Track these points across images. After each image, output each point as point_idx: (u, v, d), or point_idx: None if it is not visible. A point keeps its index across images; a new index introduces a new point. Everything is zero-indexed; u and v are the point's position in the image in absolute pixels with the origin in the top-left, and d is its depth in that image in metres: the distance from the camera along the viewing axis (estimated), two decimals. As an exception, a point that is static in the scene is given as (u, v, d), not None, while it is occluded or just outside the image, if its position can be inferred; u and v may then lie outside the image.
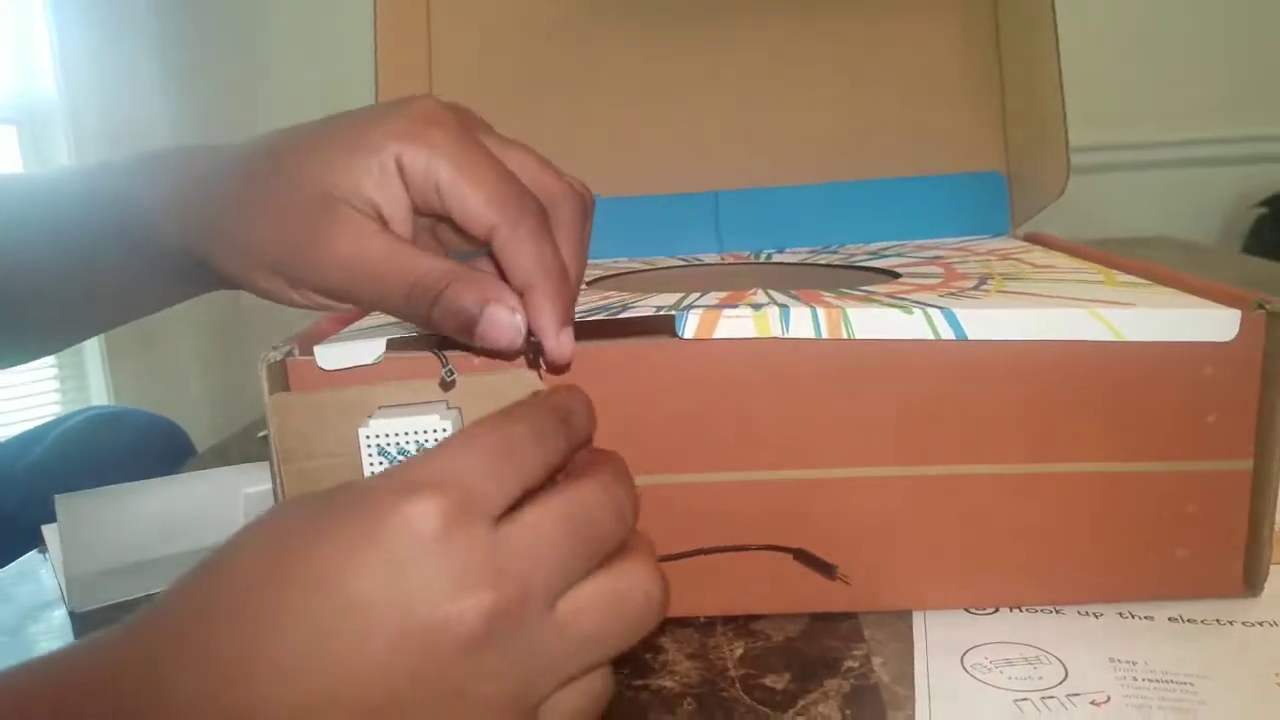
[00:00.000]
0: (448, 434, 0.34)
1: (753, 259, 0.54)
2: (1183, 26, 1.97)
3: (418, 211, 0.33)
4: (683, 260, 0.55)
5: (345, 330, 0.39)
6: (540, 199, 0.32)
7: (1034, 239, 0.54)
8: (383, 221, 0.32)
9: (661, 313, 0.35)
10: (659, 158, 0.59)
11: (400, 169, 0.31)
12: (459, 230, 0.32)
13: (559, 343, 0.31)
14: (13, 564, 0.47)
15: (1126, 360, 0.34)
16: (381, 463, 0.34)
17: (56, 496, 0.39)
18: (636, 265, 0.54)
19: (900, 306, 0.34)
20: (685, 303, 0.37)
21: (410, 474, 0.24)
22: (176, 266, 0.37)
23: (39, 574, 0.46)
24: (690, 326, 0.34)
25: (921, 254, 0.51)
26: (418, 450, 0.34)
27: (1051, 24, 0.54)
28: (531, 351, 0.32)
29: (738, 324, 0.34)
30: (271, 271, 0.33)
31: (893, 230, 0.57)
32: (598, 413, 0.35)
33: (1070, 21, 0.58)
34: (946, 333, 0.34)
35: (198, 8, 2.25)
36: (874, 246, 0.55)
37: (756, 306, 0.35)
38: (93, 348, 2.12)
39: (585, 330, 0.35)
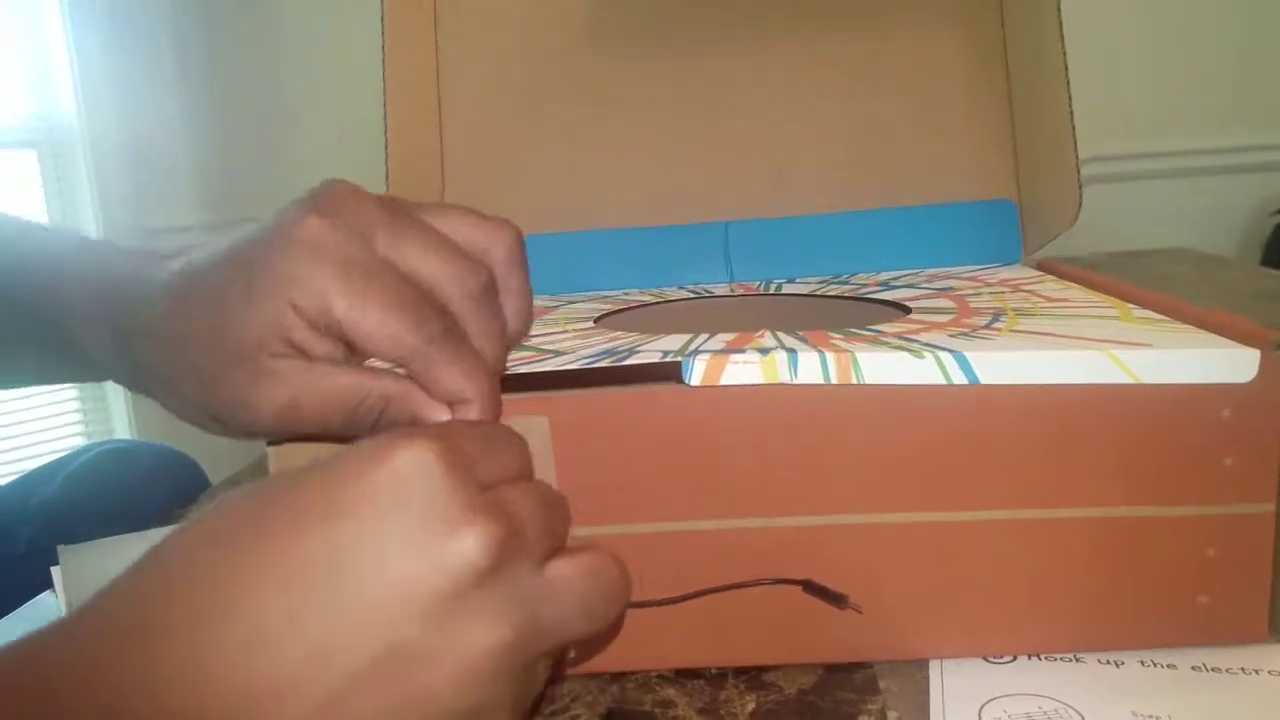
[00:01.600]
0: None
1: (762, 291, 0.53)
2: (1198, 32, 1.96)
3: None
4: (692, 292, 0.54)
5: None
6: (447, 293, 0.32)
7: (1047, 267, 0.54)
8: (303, 353, 0.31)
9: (668, 358, 0.35)
10: (669, 187, 0.58)
11: (295, 309, 0.30)
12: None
13: None
14: (24, 606, 0.47)
15: (1143, 403, 0.33)
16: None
17: (59, 548, 0.39)
18: (646, 298, 0.53)
19: (910, 349, 0.34)
20: (692, 346, 0.37)
21: (390, 438, 0.26)
22: (72, 362, 0.38)
23: (49, 618, 0.46)
24: (697, 373, 0.34)
25: (933, 285, 0.50)
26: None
27: (1060, 50, 0.54)
28: None
29: (745, 370, 0.34)
30: (201, 417, 0.33)
31: (904, 259, 0.57)
32: (601, 460, 0.34)
33: (1084, 28, 0.58)
34: (958, 376, 0.33)
35: (217, 31, 2.27)
36: (884, 276, 0.55)
37: (764, 351, 0.34)
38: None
39: (591, 377, 0.35)
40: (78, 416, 2.18)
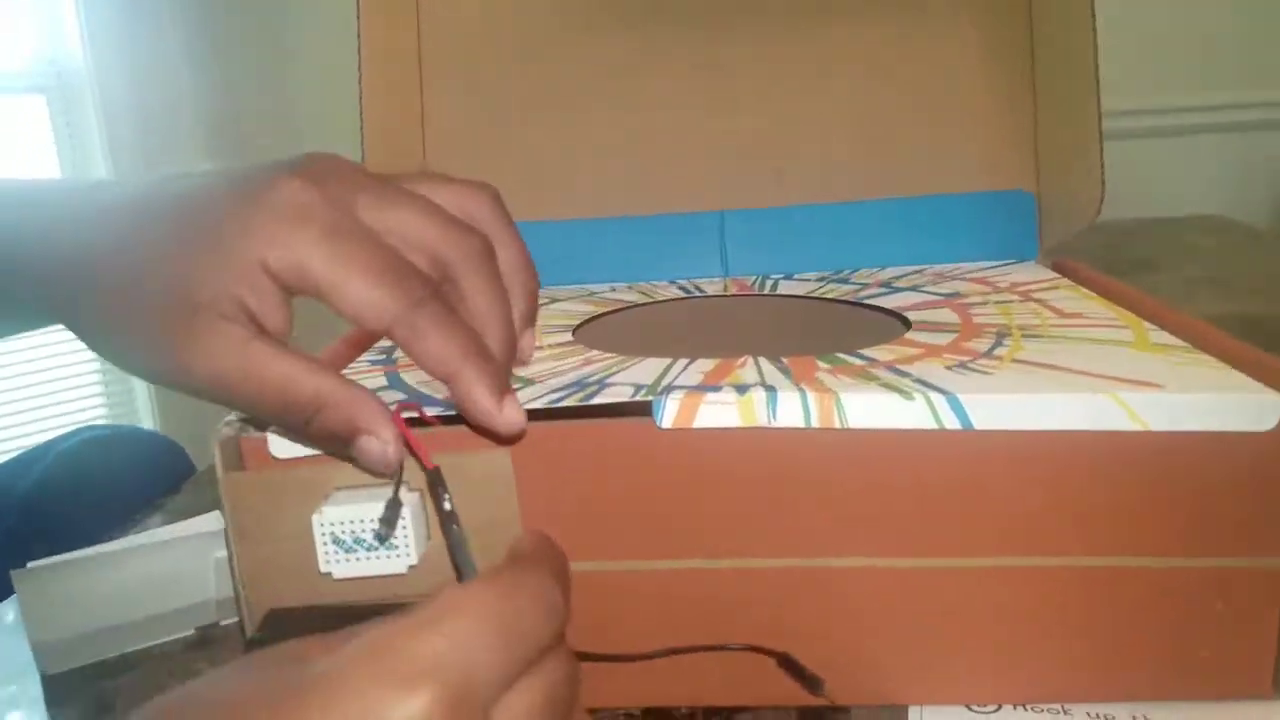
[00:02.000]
0: (406, 520, 0.32)
1: (756, 290, 0.50)
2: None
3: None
4: (682, 290, 0.52)
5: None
6: (445, 257, 0.31)
7: (1062, 267, 0.51)
8: (255, 324, 0.29)
9: (639, 396, 0.32)
10: (661, 174, 0.55)
11: (270, 274, 0.29)
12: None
13: (505, 418, 0.30)
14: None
15: (1152, 450, 0.31)
16: (337, 554, 0.32)
17: (13, 572, 0.38)
18: (634, 296, 0.51)
19: (900, 390, 0.31)
20: (667, 379, 0.34)
21: (400, 662, 0.19)
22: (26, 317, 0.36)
23: (9, 624, 0.45)
24: (669, 415, 0.31)
25: (938, 288, 0.48)
26: (374, 538, 0.32)
27: (1090, 30, 0.50)
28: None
29: (720, 412, 0.31)
30: (136, 366, 0.31)
31: (911, 254, 0.54)
32: (570, 495, 0.32)
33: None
34: (951, 421, 0.31)
35: (223, -27, 2.22)
36: (888, 274, 0.52)
37: (741, 389, 0.32)
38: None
39: (557, 415, 0.32)
40: (99, 389, 2.19)
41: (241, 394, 0.29)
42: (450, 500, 0.29)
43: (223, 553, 0.40)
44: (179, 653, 0.40)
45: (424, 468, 0.30)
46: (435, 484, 0.29)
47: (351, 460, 0.30)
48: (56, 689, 0.39)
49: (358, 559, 0.32)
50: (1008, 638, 0.33)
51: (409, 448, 0.30)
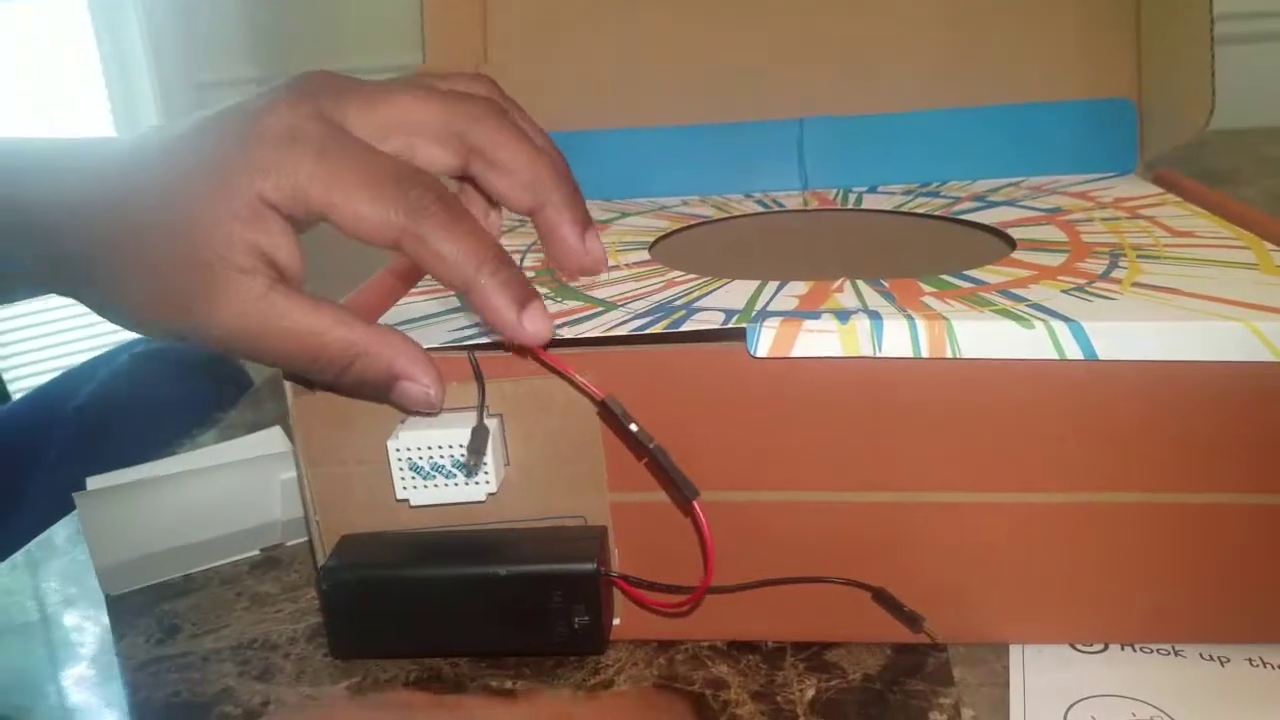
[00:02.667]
0: (488, 447, 0.30)
1: (839, 205, 0.48)
2: None
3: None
4: (759, 203, 0.49)
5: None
6: (455, 128, 0.29)
7: (1164, 180, 0.47)
8: (272, 269, 0.28)
9: (731, 323, 0.30)
10: (735, 80, 0.52)
11: (269, 205, 0.27)
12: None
13: (528, 330, 0.28)
14: (57, 526, 0.46)
15: (1284, 381, 0.28)
16: (415, 480, 0.30)
17: (75, 494, 0.37)
18: (707, 210, 0.48)
19: (1018, 318, 0.29)
20: (759, 303, 0.32)
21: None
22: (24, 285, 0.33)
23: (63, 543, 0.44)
24: (764, 343, 0.29)
25: (1037, 203, 0.44)
26: (453, 465, 0.30)
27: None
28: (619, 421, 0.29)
29: (820, 340, 0.29)
30: (156, 329, 0.29)
31: (1002, 165, 0.50)
32: (659, 425, 0.30)
33: None
34: (1073, 351, 0.28)
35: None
36: (980, 188, 0.49)
37: (843, 317, 0.29)
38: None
39: (644, 341, 0.31)
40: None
41: (267, 350, 0.28)
42: (637, 423, 0.28)
43: (289, 474, 0.39)
44: (244, 574, 0.40)
45: (593, 399, 0.29)
46: (611, 412, 0.28)
47: (391, 404, 0.29)
48: (119, 610, 0.38)
49: (436, 486, 0.30)
50: (1118, 575, 0.31)
51: (569, 379, 0.29)
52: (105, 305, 0.30)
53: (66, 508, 0.44)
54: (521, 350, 0.30)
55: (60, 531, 0.45)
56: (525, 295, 0.28)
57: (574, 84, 0.53)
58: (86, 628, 0.37)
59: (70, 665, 0.35)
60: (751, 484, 0.31)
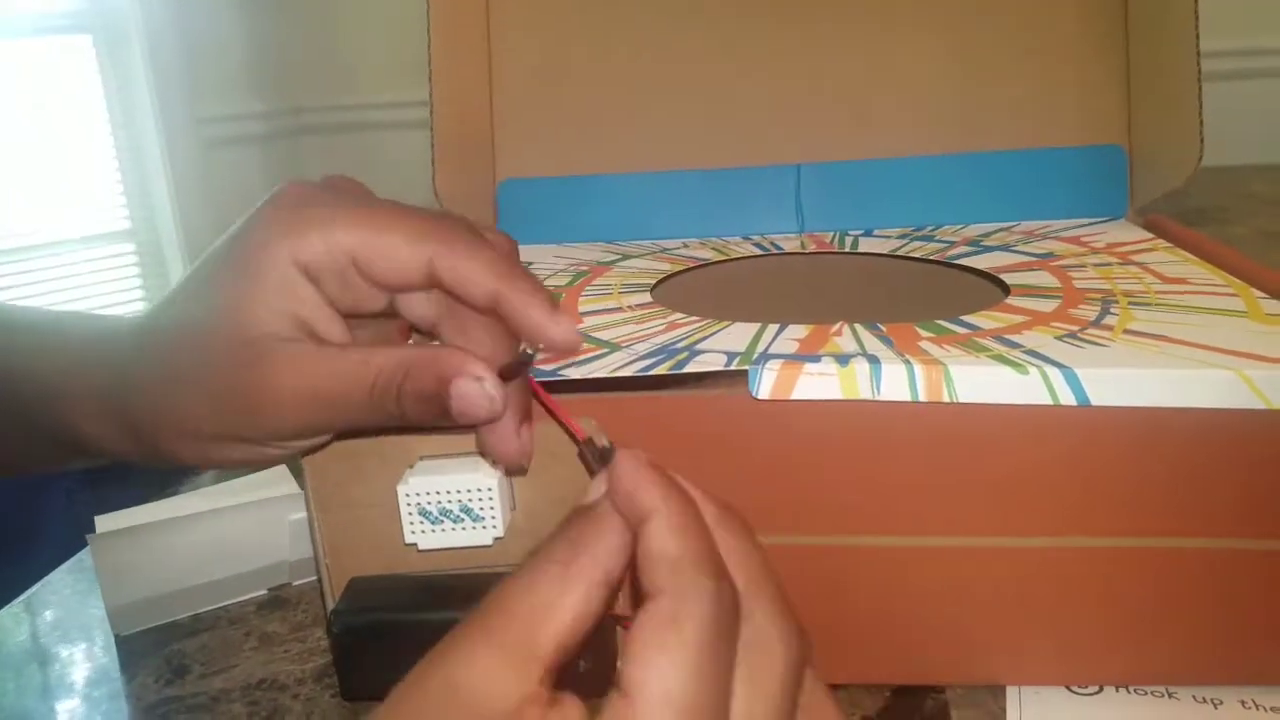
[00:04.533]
0: (494, 493, 0.31)
1: (836, 247, 0.49)
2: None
3: (342, 311, 0.29)
4: (758, 246, 0.50)
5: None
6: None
7: (1155, 226, 0.48)
8: (313, 335, 0.28)
9: (733, 365, 0.31)
10: (735, 125, 0.53)
11: (301, 268, 0.28)
12: (390, 287, 0.29)
13: (562, 328, 0.28)
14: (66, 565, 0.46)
15: (1273, 428, 0.29)
16: (423, 525, 0.31)
17: (89, 536, 0.37)
18: (707, 253, 0.49)
19: (1013, 364, 0.30)
20: (760, 346, 0.33)
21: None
22: (62, 444, 0.33)
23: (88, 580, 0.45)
24: (765, 386, 0.30)
25: (1030, 247, 0.45)
26: (460, 510, 0.31)
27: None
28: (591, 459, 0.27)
29: (820, 383, 0.30)
30: (225, 443, 0.29)
31: (995, 210, 0.51)
32: (664, 465, 0.31)
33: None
34: (1067, 397, 0.29)
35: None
36: (974, 231, 0.50)
37: (842, 360, 0.30)
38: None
39: (649, 384, 0.31)
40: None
41: (333, 403, 0.28)
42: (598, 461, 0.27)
43: (297, 515, 0.40)
44: (252, 613, 0.40)
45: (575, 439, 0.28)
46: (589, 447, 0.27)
47: (458, 422, 0.28)
48: (129, 650, 0.39)
49: (444, 531, 0.31)
50: (1113, 619, 0.32)
51: (555, 418, 0.29)
52: (179, 436, 0.30)
53: (80, 543, 0.45)
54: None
55: (71, 569, 0.46)
56: (553, 302, 0.28)
57: (577, 130, 0.54)
58: (97, 667, 0.38)
59: (81, 706, 0.36)
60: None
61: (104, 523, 0.39)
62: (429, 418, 0.28)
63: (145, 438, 0.30)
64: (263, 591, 0.41)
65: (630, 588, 0.24)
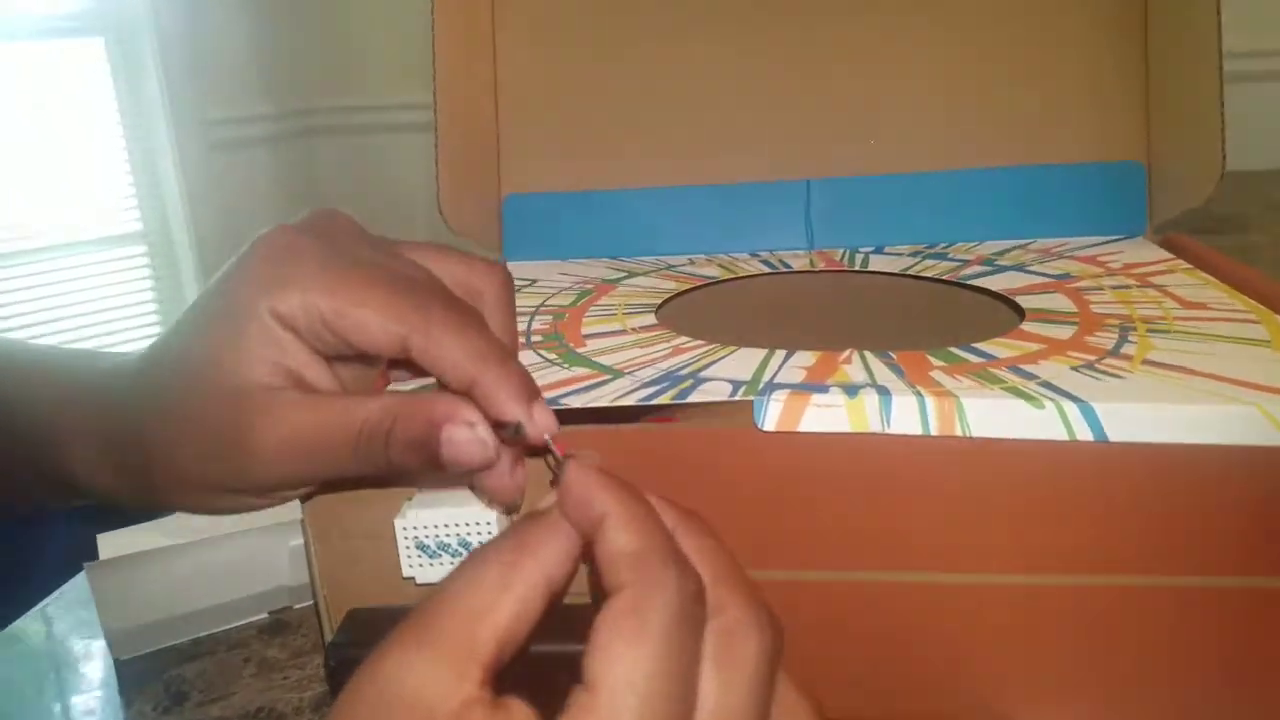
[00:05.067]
0: (493, 526, 0.30)
1: (846, 266, 0.48)
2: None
3: (325, 355, 0.28)
4: (766, 264, 0.49)
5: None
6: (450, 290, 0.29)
7: (1174, 244, 0.47)
8: (301, 382, 0.28)
9: (738, 395, 0.30)
10: (744, 140, 0.52)
11: (279, 319, 0.27)
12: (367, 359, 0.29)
13: (535, 422, 0.27)
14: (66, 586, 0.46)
15: (1301, 466, 0.28)
16: (420, 559, 0.30)
17: (86, 565, 0.37)
18: (714, 270, 0.48)
19: (1028, 397, 0.29)
20: (766, 374, 0.32)
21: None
22: (53, 482, 0.32)
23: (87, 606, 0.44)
24: (771, 418, 0.29)
25: (1046, 267, 0.45)
26: (459, 544, 0.30)
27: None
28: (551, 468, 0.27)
29: (828, 415, 0.29)
30: (212, 492, 0.29)
31: (1010, 228, 0.50)
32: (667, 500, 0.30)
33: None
34: (1083, 432, 0.28)
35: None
36: (988, 249, 0.49)
37: (851, 391, 0.29)
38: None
39: (651, 414, 0.31)
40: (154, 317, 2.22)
41: (318, 454, 0.27)
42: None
43: (297, 541, 0.39)
44: (252, 638, 0.40)
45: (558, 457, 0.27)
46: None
47: (450, 471, 0.27)
48: (127, 675, 0.38)
49: (443, 564, 0.30)
50: (1126, 658, 0.31)
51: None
52: (170, 485, 0.29)
53: (80, 563, 0.44)
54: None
55: (71, 590, 0.45)
56: (532, 389, 0.27)
57: (583, 144, 0.53)
58: (95, 693, 0.37)
59: (77, 734, 0.35)
60: (755, 563, 0.31)
61: (105, 543, 0.39)
62: (418, 465, 0.27)
63: (136, 483, 0.30)
64: (264, 615, 0.41)
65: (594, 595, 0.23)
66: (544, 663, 0.29)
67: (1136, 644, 0.31)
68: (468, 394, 0.27)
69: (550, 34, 0.53)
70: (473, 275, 0.31)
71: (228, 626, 0.40)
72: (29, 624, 0.43)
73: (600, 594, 0.22)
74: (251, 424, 0.27)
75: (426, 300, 0.27)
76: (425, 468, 0.27)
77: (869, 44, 0.52)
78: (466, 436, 0.26)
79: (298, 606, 0.41)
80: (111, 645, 0.39)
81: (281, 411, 0.27)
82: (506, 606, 0.21)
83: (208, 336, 0.28)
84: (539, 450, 0.27)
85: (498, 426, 0.27)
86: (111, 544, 0.39)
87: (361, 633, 0.31)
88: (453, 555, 0.30)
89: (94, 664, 0.39)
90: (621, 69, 0.53)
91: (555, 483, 0.24)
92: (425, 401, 0.27)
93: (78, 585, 0.45)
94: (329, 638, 0.32)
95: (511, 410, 0.26)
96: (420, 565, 0.30)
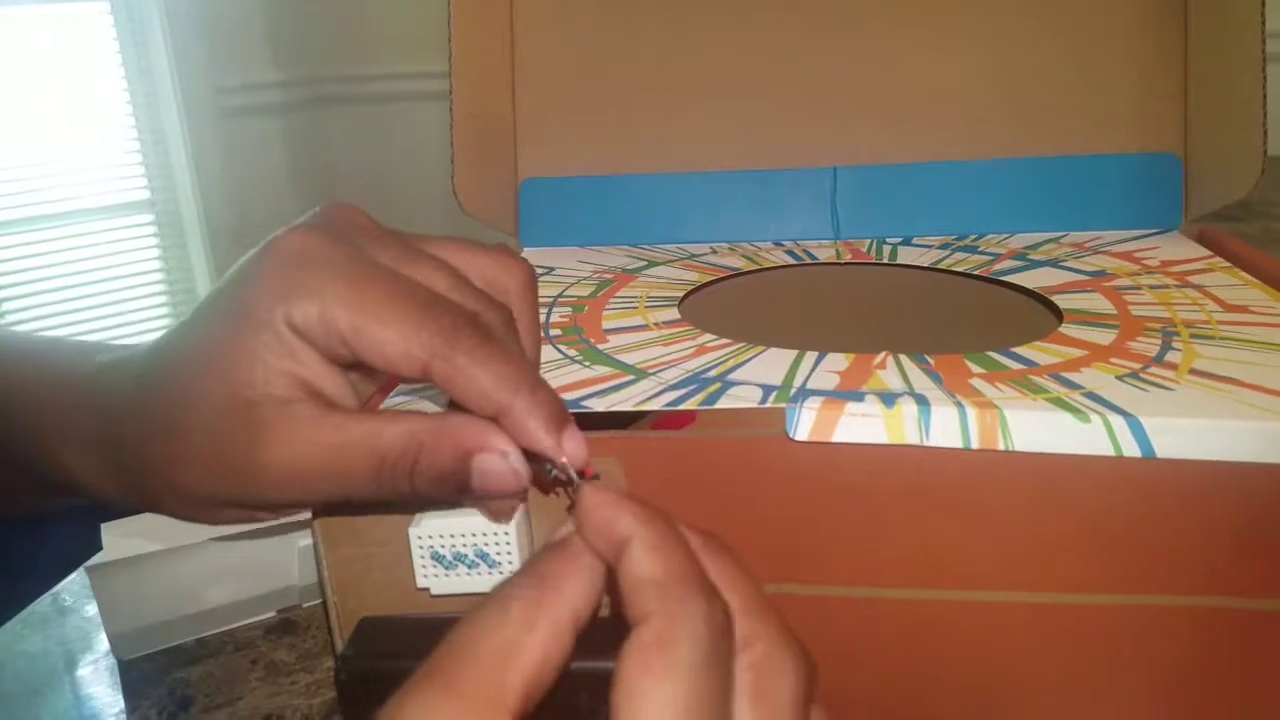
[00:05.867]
0: (511, 537, 0.29)
1: (873, 258, 0.46)
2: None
3: (341, 365, 0.27)
4: (790, 254, 0.48)
5: (393, 400, 0.33)
6: (475, 298, 0.27)
7: (1209, 238, 0.46)
8: (314, 395, 0.26)
9: (769, 402, 0.29)
10: (769, 126, 0.51)
11: (295, 329, 0.25)
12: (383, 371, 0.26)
13: (568, 450, 0.25)
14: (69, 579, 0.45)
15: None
16: (436, 570, 0.29)
17: (87, 568, 0.36)
18: (737, 261, 0.47)
19: (1074, 410, 0.28)
20: (798, 378, 0.31)
21: None
22: (49, 481, 0.31)
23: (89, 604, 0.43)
24: (804, 426, 0.28)
25: (1081, 263, 0.43)
26: (475, 555, 0.29)
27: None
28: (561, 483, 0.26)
29: (863, 425, 0.28)
30: (214, 505, 0.27)
31: (1041, 219, 0.49)
32: (688, 508, 0.29)
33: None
34: (1131, 448, 0.27)
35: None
36: (1020, 243, 0.47)
37: (888, 400, 0.28)
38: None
39: (680, 420, 0.29)
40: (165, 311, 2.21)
41: (327, 471, 0.25)
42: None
43: (307, 541, 0.38)
44: (259, 638, 0.39)
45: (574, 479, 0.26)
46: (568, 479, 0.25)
47: (479, 502, 0.27)
48: (131, 678, 0.37)
49: (458, 576, 0.29)
50: (1172, 681, 0.30)
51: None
52: (170, 495, 0.28)
53: (83, 555, 0.44)
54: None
55: (74, 587, 0.44)
56: (562, 417, 0.25)
57: (603, 127, 0.52)
58: (97, 696, 0.36)
59: (79, 738, 0.35)
60: (784, 576, 0.30)
61: (110, 543, 0.38)
62: (444, 495, 0.26)
63: (134, 491, 0.28)
64: (271, 614, 0.40)
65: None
66: (564, 681, 0.28)
67: (1183, 665, 0.30)
68: (494, 421, 0.25)
69: (570, 10, 0.52)
70: (499, 271, 0.29)
71: (235, 625, 0.39)
72: (29, 624, 0.42)
73: (622, 617, 0.21)
74: (262, 439, 0.25)
75: (452, 322, 0.25)
76: (451, 496, 0.26)
77: (900, 28, 0.50)
78: (500, 467, 0.25)
79: (306, 605, 0.40)
80: (114, 646, 0.38)
81: (295, 427, 0.25)
82: (533, 649, 0.20)
83: (220, 344, 0.26)
84: (564, 481, 0.26)
85: (528, 456, 0.25)
86: (116, 545, 0.37)
87: (373, 643, 0.30)
88: (469, 566, 0.29)
89: (96, 663, 0.38)
90: (644, 49, 0.51)
91: (572, 507, 0.23)
92: (454, 429, 0.25)
93: (79, 584, 0.44)
94: (339, 647, 0.31)
95: (543, 441, 0.25)
96: (435, 576, 0.29)
